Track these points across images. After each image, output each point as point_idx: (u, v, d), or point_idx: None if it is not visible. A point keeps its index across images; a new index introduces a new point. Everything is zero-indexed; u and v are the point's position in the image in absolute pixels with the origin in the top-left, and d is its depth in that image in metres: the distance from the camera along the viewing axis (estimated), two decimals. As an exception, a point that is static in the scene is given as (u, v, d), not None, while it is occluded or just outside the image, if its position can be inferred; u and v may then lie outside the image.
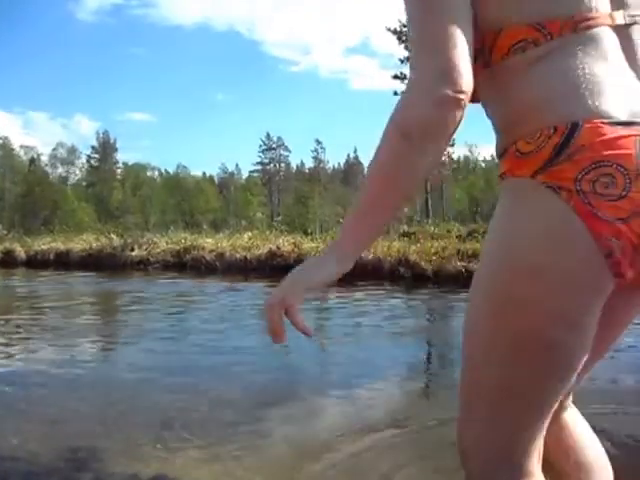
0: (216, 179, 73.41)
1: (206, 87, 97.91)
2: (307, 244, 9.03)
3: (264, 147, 63.04)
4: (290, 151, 64.23)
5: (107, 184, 55.59)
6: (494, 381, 0.78)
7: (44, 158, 57.08)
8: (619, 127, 0.72)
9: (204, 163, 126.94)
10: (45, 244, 13.00)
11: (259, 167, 64.35)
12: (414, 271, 7.01)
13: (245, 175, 69.24)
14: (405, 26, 25.70)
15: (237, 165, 73.79)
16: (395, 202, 0.80)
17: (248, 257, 9.27)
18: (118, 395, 2.55)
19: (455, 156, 35.20)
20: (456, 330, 4.45)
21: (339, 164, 75.94)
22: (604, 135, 0.71)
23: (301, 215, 46.76)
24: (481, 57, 0.79)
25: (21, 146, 56.69)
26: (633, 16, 0.79)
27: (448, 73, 0.72)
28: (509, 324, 0.75)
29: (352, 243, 0.80)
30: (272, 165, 63.51)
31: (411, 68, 0.77)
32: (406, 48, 29.23)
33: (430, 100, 0.72)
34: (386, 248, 7.75)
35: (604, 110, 0.73)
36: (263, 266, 8.84)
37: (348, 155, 75.81)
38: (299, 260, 8.72)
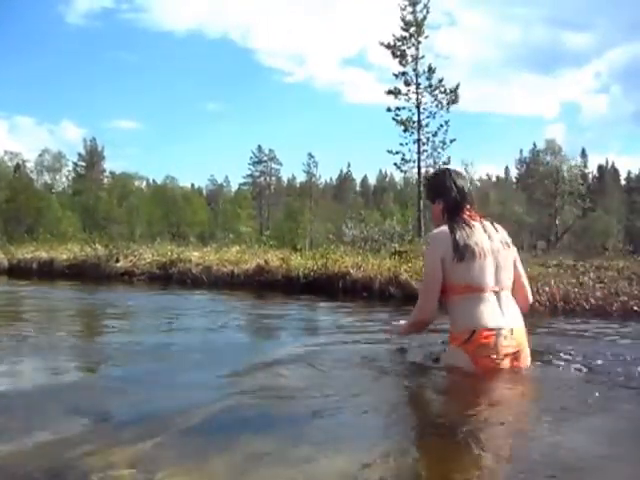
0: (205, 191, 73.14)
1: (197, 96, 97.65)
2: (296, 260, 8.88)
3: (255, 160, 62.90)
4: (281, 164, 64.07)
5: (93, 193, 54.86)
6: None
7: (29, 165, 56.44)
8: (488, 331, 2.58)
9: (193, 174, 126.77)
10: (28, 253, 12.74)
11: (249, 180, 64.10)
12: (404, 291, 6.87)
13: (235, 188, 69.01)
14: (399, 40, 26.04)
15: (227, 177, 73.37)
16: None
17: (235, 271, 9.10)
18: (97, 409, 2.44)
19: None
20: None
21: (331, 179, 76.04)
22: (483, 334, 2.58)
23: (291, 230, 46.55)
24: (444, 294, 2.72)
25: (5, 151, 55.96)
26: (502, 287, 2.67)
27: (427, 310, 2.75)
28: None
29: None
30: (263, 178, 63.32)
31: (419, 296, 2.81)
32: (400, 63, 28.41)
33: (420, 316, 2.79)
34: (377, 267, 7.64)
35: (484, 324, 2.58)
36: (250, 281, 8.68)
37: (341, 170, 76.03)
38: (287, 276, 8.58)
